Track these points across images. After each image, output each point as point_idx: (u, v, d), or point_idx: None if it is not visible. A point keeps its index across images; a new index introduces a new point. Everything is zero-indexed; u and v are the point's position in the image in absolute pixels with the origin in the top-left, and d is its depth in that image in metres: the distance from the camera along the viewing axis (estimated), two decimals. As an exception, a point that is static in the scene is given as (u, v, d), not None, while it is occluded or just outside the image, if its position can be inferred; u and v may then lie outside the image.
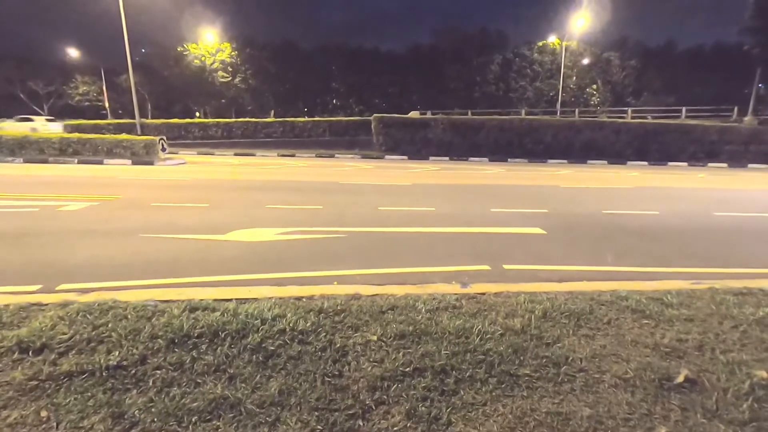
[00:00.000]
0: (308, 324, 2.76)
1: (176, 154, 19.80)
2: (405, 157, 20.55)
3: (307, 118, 32.07)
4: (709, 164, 20.27)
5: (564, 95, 38.41)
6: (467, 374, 2.28)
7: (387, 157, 20.61)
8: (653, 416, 2.01)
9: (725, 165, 20.24)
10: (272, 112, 45.08)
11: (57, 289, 3.55)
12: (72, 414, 1.91)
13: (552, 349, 2.56)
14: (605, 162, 20.27)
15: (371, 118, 22.84)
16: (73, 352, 2.40)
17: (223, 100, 46.39)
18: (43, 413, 1.91)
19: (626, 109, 33.45)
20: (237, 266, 4.31)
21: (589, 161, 20.34)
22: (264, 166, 15.56)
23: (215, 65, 43.62)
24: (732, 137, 21.14)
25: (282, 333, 2.65)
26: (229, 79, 44.20)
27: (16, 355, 2.34)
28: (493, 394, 2.14)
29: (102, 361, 2.28)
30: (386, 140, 21.85)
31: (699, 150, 20.97)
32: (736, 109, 28.36)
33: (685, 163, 20.38)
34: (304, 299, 3.23)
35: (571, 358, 2.46)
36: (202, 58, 43.26)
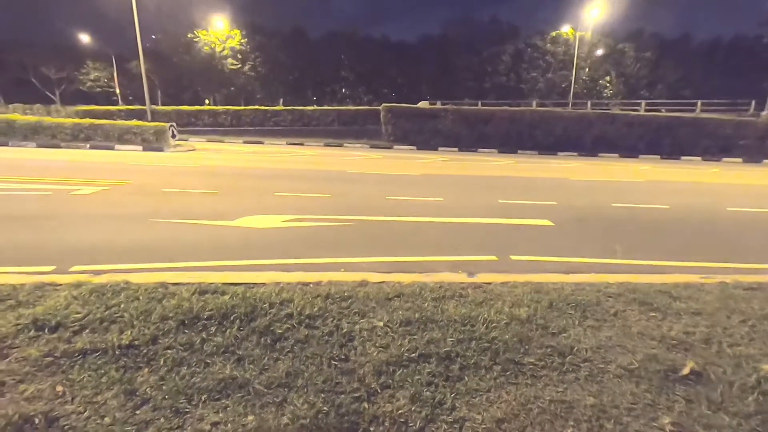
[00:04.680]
0: (315, 309, 2.79)
1: (186, 140, 19.92)
2: (413, 147, 20.45)
3: (315, 107, 32.00)
4: (724, 159, 19.90)
5: (576, 87, 37.77)
6: (472, 361, 2.30)
7: (395, 147, 20.54)
8: (657, 407, 2.02)
9: (740, 160, 19.85)
10: (281, 101, 44.98)
11: (70, 270, 3.62)
12: (86, 390, 1.97)
13: (557, 339, 2.57)
14: (617, 155, 20.01)
15: (380, 107, 22.71)
16: (87, 330, 2.46)
17: (232, 88, 46.35)
18: (59, 388, 1.98)
19: (640, 101, 32.86)
20: (245, 252, 4.36)
21: (600, 154, 20.09)
22: (273, 154, 15.59)
23: (225, 52, 43.48)
24: (748, 132, 20.71)
25: (289, 317, 2.69)
26: (239, 66, 44.09)
27: (32, 333, 2.41)
28: (498, 381, 2.16)
29: (115, 340, 2.34)
30: (395, 130, 21.73)
31: (713, 144, 20.56)
32: (753, 103, 27.73)
33: (699, 158, 20.03)
34: (311, 285, 3.27)
35: (576, 348, 2.47)
36: (212, 45, 43.14)
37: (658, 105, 32.09)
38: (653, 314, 2.98)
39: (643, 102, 32.18)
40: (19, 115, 19.22)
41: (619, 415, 1.95)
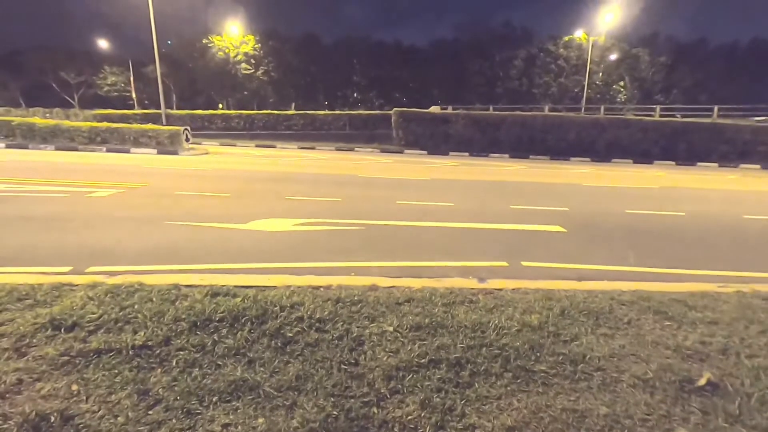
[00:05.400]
0: (326, 313, 2.81)
1: (199, 144, 20.19)
2: (424, 151, 20.45)
3: (327, 112, 32.23)
4: (741, 165, 19.51)
5: (589, 92, 37.43)
6: (482, 368, 2.29)
7: (406, 151, 20.56)
8: (672, 418, 1.98)
9: (758, 166, 19.44)
10: (293, 105, 45.40)
11: (86, 270, 3.69)
12: (100, 389, 2.00)
13: (569, 347, 2.54)
14: (630, 161, 19.74)
15: (391, 112, 22.76)
16: (102, 330, 2.50)
17: (245, 93, 46.93)
18: (74, 387, 2.01)
19: (654, 106, 32.40)
20: (257, 255, 4.39)
21: (613, 160, 19.84)
22: (284, 158, 15.73)
23: (239, 57, 44.09)
24: (767, 138, 20.26)
25: (300, 320, 2.70)
26: (252, 71, 44.65)
27: (49, 332, 2.46)
28: (508, 388, 2.14)
29: (129, 340, 2.38)
30: (406, 135, 21.75)
31: (731, 150, 20.17)
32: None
33: (716, 164, 19.66)
34: (321, 288, 3.28)
35: (588, 357, 2.43)
36: (226, 50, 43.78)
37: (673, 110, 31.62)
38: (668, 323, 2.93)
39: (658, 107, 31.72)
40: (38, 118, 19.72)
41: (633, 426, 1.91)
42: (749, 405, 2.07)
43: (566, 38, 44.81)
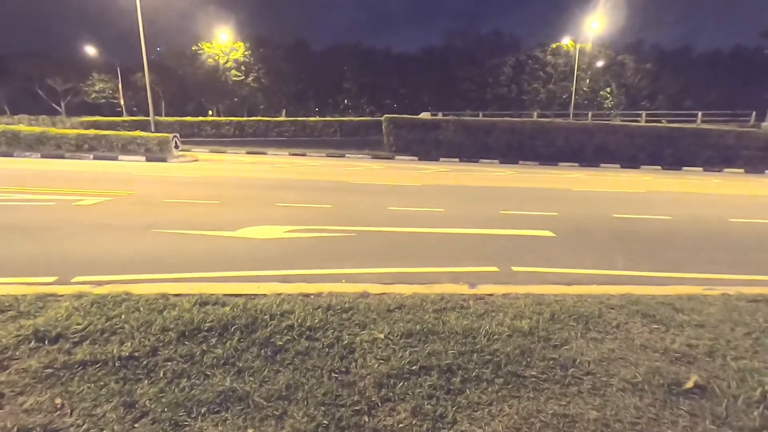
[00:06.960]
0: (316, 320, 2.79)
1: (189, 151, 20.03)
2: (415, 157, 20.52)
3: (318, 118, 32.27)
4: (726, 170, 19.90)
5: (577, 98, 37.99)
6: (473, 374, 2.29)
7: (397, 157, 20.61)
8: (661, 421, 1.99)
9: (742, 171, 19.85)
10: (284, 112, 45.37)
11: (72, 281, 3.63)
12: (85, 402, 1.96)
13: (559, 352, 2.55)
14: (618, 166, 20.03)
15: (382, 118, 22.82)
16: (87, 342, 2.46)
17: (235, 99, 46.79)
18: (58, 401, 1.97)
19: (640, 112, 33.01)
20: (246, 263, 4.36)
21: (601, 165, 20.11)
22: (275, 165, 15.66)
23: (229, 64, 44.01)
24: (749, 142, 20.73)
25: (290, 329, 2.68)
26: (242, 78, 44.57)
27: (32, 344, 2.41)
28: (499, 394, 2.14)
29: (115, 351, 2.34)
30: (397, 141, 21.82)
31: (715, 155, 20.58)
32: (753, 114, 27.84)
33: (700, 169, 20.03)
34: (312, 296, 3.26)
35: (578, 361, 2.45)
36: (216, 57, 43.68)
37: (658, 116, 32.23)
38: (656, 326, 2.96)
39: (644, 113, 32.32)
40: (24, 125, 19.42)
41: (623, 430, 1.92)
42: (736, 406, 2.10)
43: (554, 45, 45.52)
